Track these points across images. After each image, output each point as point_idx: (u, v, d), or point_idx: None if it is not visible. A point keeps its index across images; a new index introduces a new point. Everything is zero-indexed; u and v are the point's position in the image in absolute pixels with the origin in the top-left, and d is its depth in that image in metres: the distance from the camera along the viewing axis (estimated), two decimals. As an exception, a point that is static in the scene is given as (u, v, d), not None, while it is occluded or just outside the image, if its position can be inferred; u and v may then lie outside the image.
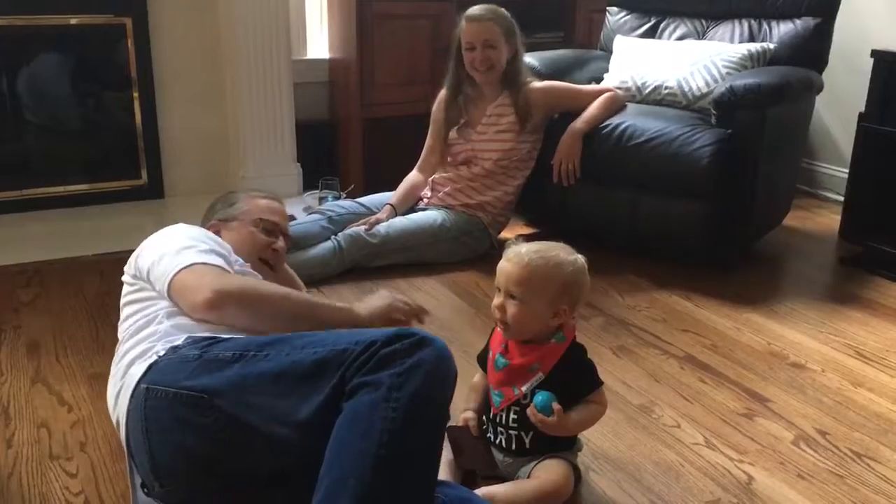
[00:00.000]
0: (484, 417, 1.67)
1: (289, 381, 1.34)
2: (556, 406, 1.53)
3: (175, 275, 1.56)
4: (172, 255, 1.62)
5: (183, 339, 1.50)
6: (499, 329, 1.63)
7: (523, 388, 1.57)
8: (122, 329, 1.63)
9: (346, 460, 1.23)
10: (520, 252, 1.57)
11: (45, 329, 2.30)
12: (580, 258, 1.60)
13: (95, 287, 2.60)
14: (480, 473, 1.62)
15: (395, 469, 1.23)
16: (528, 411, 1.54)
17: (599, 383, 1.61)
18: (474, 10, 2.87)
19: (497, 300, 1.59)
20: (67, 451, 1.74)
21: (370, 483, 1.20)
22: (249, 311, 1.57)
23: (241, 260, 1.77)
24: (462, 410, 1.70)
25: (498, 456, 1.63)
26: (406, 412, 1.25)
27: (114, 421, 1.56)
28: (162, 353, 1.48)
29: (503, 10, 2.88)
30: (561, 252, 1.58)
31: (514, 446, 1.61)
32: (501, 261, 1.60)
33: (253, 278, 1.73)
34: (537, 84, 2.93)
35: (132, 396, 1.44)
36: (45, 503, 1.58)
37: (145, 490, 1.47)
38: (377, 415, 1.24)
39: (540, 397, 1.54)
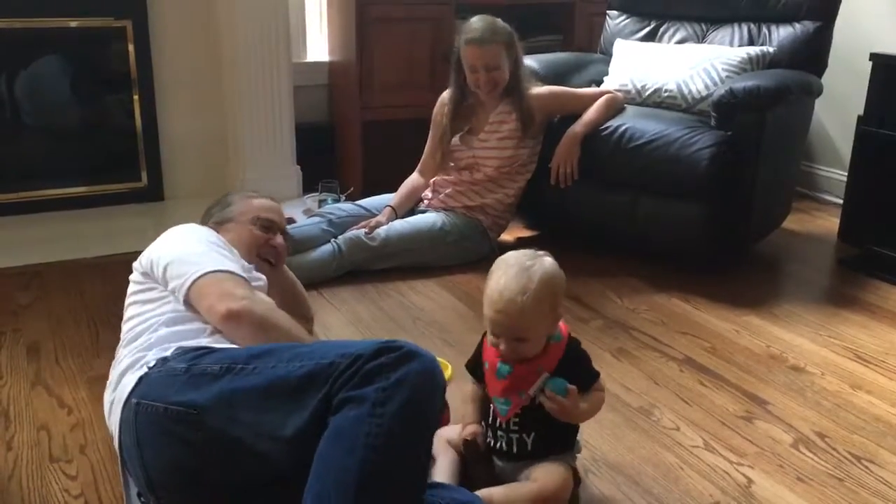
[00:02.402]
0: (483, 423, 1.65)
1: (276, 396, 1.32)
2: (570, 387, 1.52)
3: (198, 277, 1.56)
4: (193, 256, 1.62)
5: (172, 350, 1.49)
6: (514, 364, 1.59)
7: (530, 391, 1.56)
8: (125, 331, 1.63)
9: (330, 476, 1.22)
10: (506, 298, 1.49)
11: (44, 332, 2.31)
12: (545, 260, 1.54)
13: (95, 289, 2.60)
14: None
15: (380, 485, 1.22)
16: (546, 394, 1.52)
17: (598, 373, 1.61)
18: (474, 30, 2.77)
19: (505, 346, 1.53)
20: (67, 453, 1.74)
21: (354, 500, 1.19)
22: (262, 338, 1.54)
23: (246, 264, 1.76)
24: (464, 422, 1.67)
25: (497, 463, 1.62)
26: (391, 428, 1.23)
27: (110, 431, 1.56)
28: (152, 363, 1.47)
29: (500, 22, 2.82)
30: (531, 268, 1.51)
31: (515, 449, 1.59)
32: (490, 312, 1.52)
33: (270, 301, 1.71)
34: (537, 90, 2.92)
35: (124, 409, 1.45)
36: (45, 506, 1.58)
37: (142, 500, 1.47)
38: (361, 430, 1.23)
39: (553, 383, 1.53)
